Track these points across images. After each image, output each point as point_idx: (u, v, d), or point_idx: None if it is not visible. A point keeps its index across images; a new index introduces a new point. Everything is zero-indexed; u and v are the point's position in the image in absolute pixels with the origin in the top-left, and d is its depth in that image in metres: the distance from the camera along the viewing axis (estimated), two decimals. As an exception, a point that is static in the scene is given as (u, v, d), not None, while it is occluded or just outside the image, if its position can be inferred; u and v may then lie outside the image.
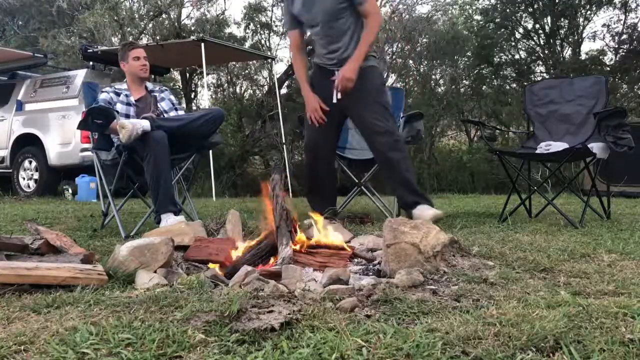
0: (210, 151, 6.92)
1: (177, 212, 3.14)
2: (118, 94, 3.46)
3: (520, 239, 2.74)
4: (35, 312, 1.43)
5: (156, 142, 3.08)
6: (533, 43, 13.12)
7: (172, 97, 3.71)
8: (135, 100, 3.49)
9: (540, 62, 13.25)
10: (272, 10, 13.49)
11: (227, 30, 13.90)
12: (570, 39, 12.69)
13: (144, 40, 12.54)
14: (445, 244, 2.05)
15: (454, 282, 1.82)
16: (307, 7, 3.38)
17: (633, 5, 12.25)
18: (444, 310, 1.45)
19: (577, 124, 3.97)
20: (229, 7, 16.26)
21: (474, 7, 14.01)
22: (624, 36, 12.51)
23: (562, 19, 12.45)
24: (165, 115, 3.54)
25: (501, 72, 13.54)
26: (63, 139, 7.76)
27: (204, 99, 13.81)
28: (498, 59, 13.32)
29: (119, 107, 3.38)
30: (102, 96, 3.44)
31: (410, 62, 13.85)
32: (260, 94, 13.80)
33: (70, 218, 4.24)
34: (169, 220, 3.01)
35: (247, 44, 13.30)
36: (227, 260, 2.14)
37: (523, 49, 13.38)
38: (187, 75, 13.80)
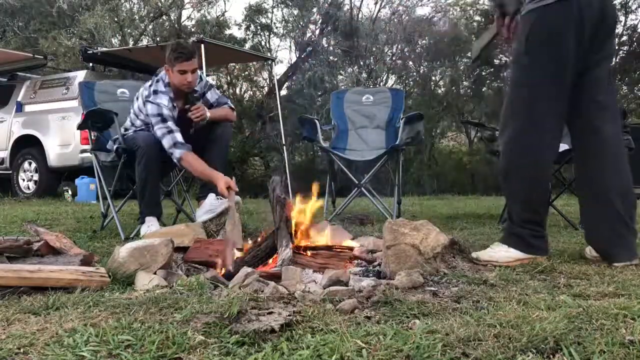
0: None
1: (161, 215, 3.12)
2: (170, 102, 3.09)
3: (520, 241, 2.72)
4: (34, 314, 1.43)
5: (148, 144, 3.01)
6: (533, 44, 13.11)
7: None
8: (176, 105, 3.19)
9: (540, 64, 13.25)
10: (273, 12, 13.52)
11: (228, 32, 13.94)
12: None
13: (144, 42, 12.56)
14: (445, 246, 2.05)
15: (454, 283, 1.82)
16: None
17: (633, 7, 12.28)
18: (444, 311, 1.45)
19: (577, 125, 3.96)
20: (230, 8, 16.41)
21: (474, 8, 14.03)
22: (624, 37, 12.54)
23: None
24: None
25: (501, 74, 13.55)
26: (63, 141, 7.76)
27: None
28: (498, 61, 13.33)
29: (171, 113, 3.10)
30: (166, 112, 3.03)
31: (410, 63, 13.87)
32: (260, 96, 13.83)
33: (70, 219, 4.24)
34: (151, 226, 2.97)
35: (248, 46, 13.32)
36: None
37: (523, 50, 13.38)
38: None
